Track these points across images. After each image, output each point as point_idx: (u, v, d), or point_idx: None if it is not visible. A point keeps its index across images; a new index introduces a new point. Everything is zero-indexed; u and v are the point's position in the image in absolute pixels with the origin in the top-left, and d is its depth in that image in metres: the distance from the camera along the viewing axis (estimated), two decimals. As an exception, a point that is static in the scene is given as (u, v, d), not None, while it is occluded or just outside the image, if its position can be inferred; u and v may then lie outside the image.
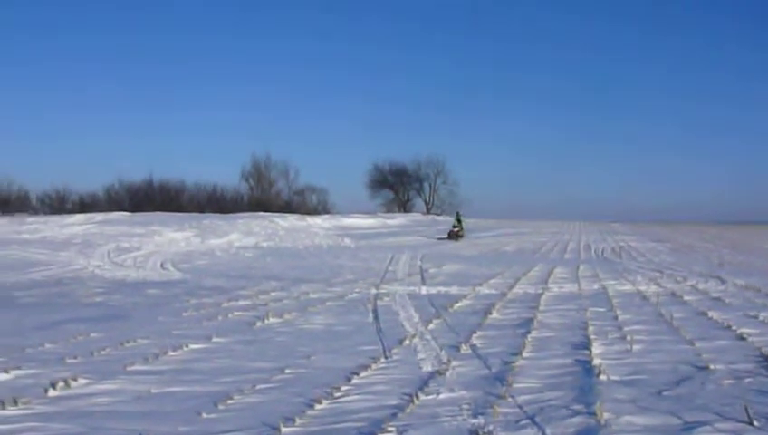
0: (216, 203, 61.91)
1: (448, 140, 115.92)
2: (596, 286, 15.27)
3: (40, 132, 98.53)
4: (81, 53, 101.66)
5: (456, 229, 40.55)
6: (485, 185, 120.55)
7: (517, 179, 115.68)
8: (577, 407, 5.47)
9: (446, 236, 40.16)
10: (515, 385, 6.25)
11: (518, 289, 14.63)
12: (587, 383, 6.30)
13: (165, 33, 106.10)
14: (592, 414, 5.19)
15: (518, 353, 7.72)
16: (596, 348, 7.94)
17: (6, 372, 6.71)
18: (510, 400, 5.74)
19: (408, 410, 5.48)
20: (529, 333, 9.11)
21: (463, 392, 6.03)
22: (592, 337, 8.68)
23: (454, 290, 14.30)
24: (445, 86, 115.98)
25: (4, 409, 5.51)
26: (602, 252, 30.34)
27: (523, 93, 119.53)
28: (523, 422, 5.11)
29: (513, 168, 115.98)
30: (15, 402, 5.64)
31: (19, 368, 6.89)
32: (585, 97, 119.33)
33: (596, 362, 7.19)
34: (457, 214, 44.39)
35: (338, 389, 6.20)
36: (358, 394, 6.05)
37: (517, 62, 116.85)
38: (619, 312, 11.04)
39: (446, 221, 58.32)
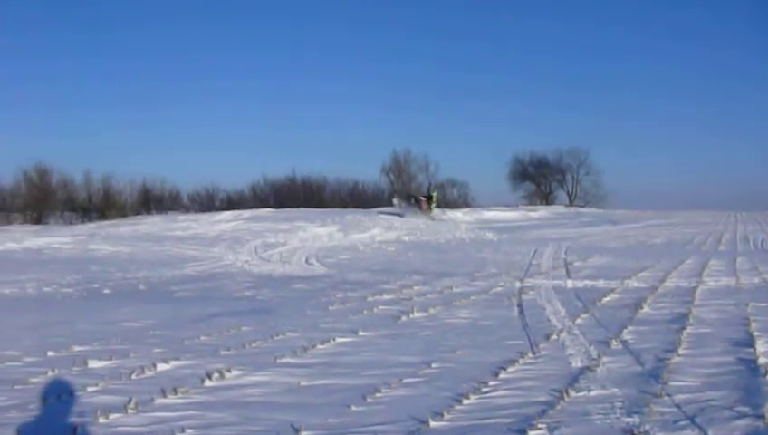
0: (357, 198, 62.98)
1: (592, 131, 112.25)
2: (756, 280, 14.42)
3: (188, 133, 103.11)
4: (222, 43, 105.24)
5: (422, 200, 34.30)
6: (631, 175, 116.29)
7: (665, 169, 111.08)
8: (742, 408, 5.15)
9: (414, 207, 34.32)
10: (672, 383, 5.97)
11: (669, 283, 14.03)
12: (752, 383, 5.93)
13: (304, 25, 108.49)
14: (760, 417, 4.88)
15: (673, 350, 7.38)
16: (761, 346, 7.47)
17: (166, 362, 7.03)
18: (666, 398, 5.49)
19: (558, 407, 5.34)
20: (684, 328, 8.70)
21: (615, 390, 5.81)
22: (756, 334, 8.17)
23: (601, 284, 13.88)
24: (588, 79, 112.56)
25: (165, 397, 5.77)
26: (762, 243, 28.65)
27: (667, 82, 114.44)
28: (682, 423, 4.87)
29: (660, 157, 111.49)
30: (175, 391, 5.90)
31: (178, 359, 7.20)
32: (730, 85, 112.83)
33: (761, 360, 6.77)
34: (429, 188, 37.56)
35: (485, 384, 6.13)
36: (506, 390, 5.95)
37: (663, 54, 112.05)
38: (784, 307, 10.37)
39: (591, 213, 57.05)
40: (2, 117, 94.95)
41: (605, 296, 11.81)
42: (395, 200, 35.16)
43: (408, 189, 37.18)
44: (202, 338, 8.46)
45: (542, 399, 5.61)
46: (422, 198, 34.70)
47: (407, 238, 30.92)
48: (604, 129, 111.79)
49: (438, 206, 35.05)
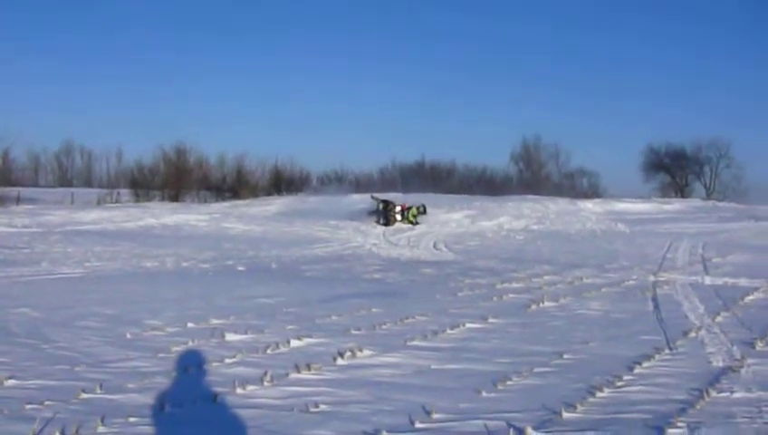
0: (485, 185, 62.47)
1: (734, 121, 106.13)
2: None
3: (319, 119, 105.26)
4: (357, 26, 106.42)
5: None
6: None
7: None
8: None
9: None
10: (826, 391, 5.60)
11: (819, 283, 13.18)
12: None
13: (444, 17, 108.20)
14: None
15: (829, 356, 6.92)
16: None
17: (300, 339, 7.21)
18: (821, 407, 5.15)
19: (698, 407, 5.13)
20: (838, 333, 8.14)
21: (761, 393, 5.52)
22: None
23: (743, 282, 13.20)
24: (729, 61, 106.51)
25: (299, 372, 5.91)
26: None
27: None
28: (838, 432, 4.57)
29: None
30: (309, 367, 6.04)
31: (310, 336, 7.37)
32: None
33: None
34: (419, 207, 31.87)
35: (619, 378, 5.96)
36: (641, 385, 5.77)
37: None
38: None
39: (730, 208, 54.44)
40: (141, 102, 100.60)
41: (748, 295, 11.22)
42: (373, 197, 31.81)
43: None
44: (333, 317, 8.62)
45: (681, 397, 5.40)
46: (398, 208, 30.99)
47: (535, 227, 30.48)
48: (749, 118, 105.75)
49: (413, 218, 30.70)
